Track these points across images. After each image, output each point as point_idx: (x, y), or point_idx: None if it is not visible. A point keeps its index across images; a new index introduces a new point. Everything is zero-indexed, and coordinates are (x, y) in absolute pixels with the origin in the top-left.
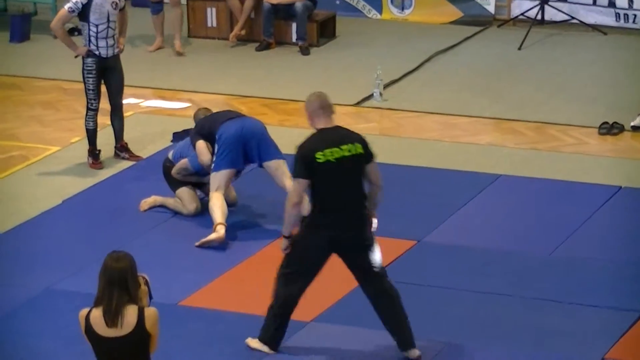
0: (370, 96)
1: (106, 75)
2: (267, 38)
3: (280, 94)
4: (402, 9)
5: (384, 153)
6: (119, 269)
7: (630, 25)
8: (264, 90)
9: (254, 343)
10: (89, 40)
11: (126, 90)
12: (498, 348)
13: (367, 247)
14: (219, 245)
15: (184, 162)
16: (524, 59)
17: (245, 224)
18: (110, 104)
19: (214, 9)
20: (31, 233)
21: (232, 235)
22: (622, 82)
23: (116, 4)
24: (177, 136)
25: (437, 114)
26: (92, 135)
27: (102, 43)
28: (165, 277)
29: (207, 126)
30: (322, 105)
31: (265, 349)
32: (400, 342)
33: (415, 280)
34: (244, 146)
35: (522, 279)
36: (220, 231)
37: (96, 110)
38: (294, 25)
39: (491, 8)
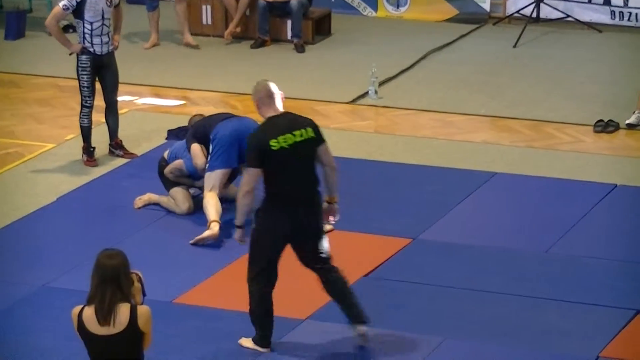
0: (366, 94)
1: (101, 73)
2: (263, 35)
3: None
4: (398, 6)
5: (379, 151)
6: (111, 266)
7: (625, 23)
8: None
9: (247, 343)
10: (84, 38)
11: (121, 87)
12: (494, 346)
13: (319, 233)
14: (214, 243)
15: (179, 162)
16: (519, 57)
17: None
18: (105, 102)
19: (209, 7)
20: (26, 230)
21: (226, 233)
22: (618, 80)
23: (111, 1)
24: (172, 134)
25: (433, 111)
26: (86, 132)
27: (96, 40)
28: (160, 274)
29: (201, 129)
30: (269, 94)
31: (258, 348)
32: (352, 318)
33: (411, 278)
34: (239, 146)
35: (518, 276)
36: (214, 228)
37: (91, 107)
38: (289, 23)
39: (486, 6)
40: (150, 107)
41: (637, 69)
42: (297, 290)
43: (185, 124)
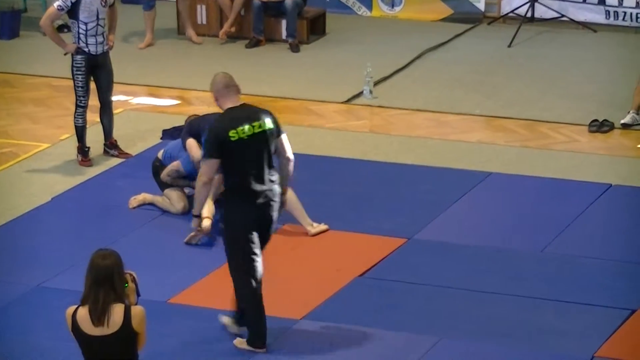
0: (361, 93)
1: (96, 73)
2: (257, 35)
3: (270, 91)
4: (392, 6)
5: (374, 150)
6: (105, 266)
7: (620, 22)
8: (254, 88)
9: (243, 344)
10: (78, 38)
11: (116, 87)
12: (489, 345)
13: (273, 224)
14: (209, 243)
15: (176, 164)
16: (514, 57)
17: None
18: (100, 101)
19: (203, 6)
20: (21, 230)
21: (221, 233)
22: (612, 80)
23: (105, 1)
24: (167, 133)
25: (428, 111)
26: (81, 132)
27: (91, 40)
28: (155, 274)
29: (196, 127)
30: (227, 85)
31: (254, 349)
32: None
33: (406, 278)
34: None
35: (514, 276)
36: (204, 222)
37: (85, 107)
38: (284, 23)
39: (481, 5)
40: (145, 107)
41: (632, 69)
42: (292, 290)
43: (181, 123)
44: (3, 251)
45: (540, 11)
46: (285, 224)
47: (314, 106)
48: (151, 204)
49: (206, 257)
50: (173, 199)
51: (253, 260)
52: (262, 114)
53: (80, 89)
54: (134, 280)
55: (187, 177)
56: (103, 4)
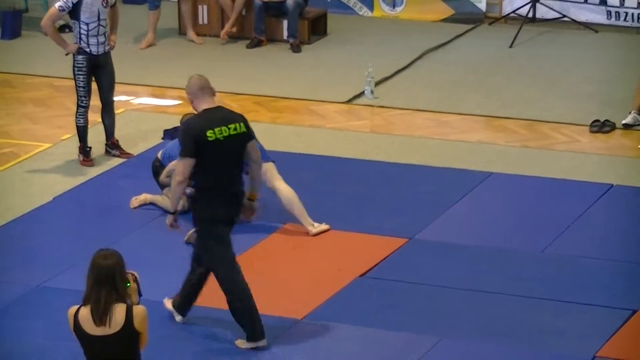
0: (362, 93)
1: (97, 73)
2: (259, 35)
3: (272, 91)
4: (394, 6)
5: (375, 150)
6: (106, 266)
7: (621, 23)
8: (255, 88)
9: (243, 344)
10: (80, 38)
11: (117, 87)
12: (489, 345)
13: (235, 224)
14: None
15: (174, 164)
16: (515, 57)
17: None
18: (101, 101)
19: (205, 7)
20: (22, 230)
21: None
22: (614, 80)
23: (107, 1)
24: (168, 133)
25: (429, 111)
26: (82, 132)
27: (92, 41)
28: (156, 274)
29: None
30: (202, 87)
31: (255, 345)
32: (180, 305)
33: (407, 278)
34: None
35: (514, 276)
36: None
37: (86, 107)
38: (285, 23)
39: (482, 6)
40: (147, 107)
41: (633, 69)
42: (293, 289)
43: None
44: (4, 251)
45: (542, 11)
46: (286, 224)
47: (315, 106)
48: (152, 204)
49: None
50: None
51: (232, 254)
52: (237, 117)
53: (81, 89)
54: (135, 280)
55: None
56: (104, 4)
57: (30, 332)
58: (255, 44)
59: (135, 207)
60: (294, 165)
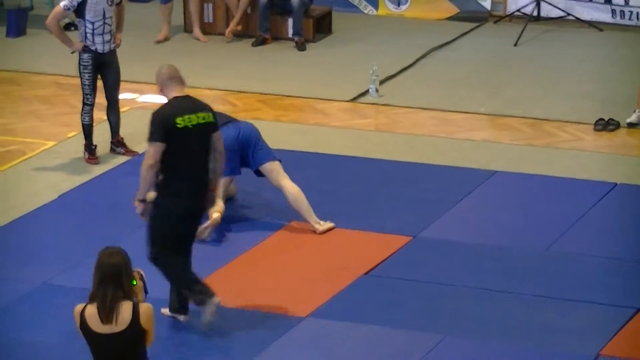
0: (366, 92)
1: (102, 71)
2: (263, 33)
3: (276, 89)
4: (398, 4)
5: (379, 149)
6: (112, 264)
7: (626, 21)
8: (260, 86)
9: (173, 314)
10: (85, 37)
11: (123, 85)
12: (493, 344)
13: (201, 217)
14: (215, 241)
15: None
16: (520, 55)
17: (241, 219)
18: (107, 99)
19: (210, 5)
20: (27, 227)
21: (227, 231)
22: (618, 79)
23: (112, 0)
24: None
25: (433, 109)
26: (87, 130)
27: (98, 39)
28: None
29: None
30: (171, 76)
31: (206, 303)
32: (179, 307)
33: (411, 276)
34: (241, 152)
35: (518, 275)
36: (214, 217)
37: (92, 105)
38: (290, 21)
39: (487, 4)
40: (152, 105)
41: (637, 68)
42: (297, 287)
43: None
44: (9, 249)
45: (546, 10)
46: (292, 222)
47: (320, 104)
48: None
49: (212, 255)
50: None
51: (179, 244)
52: (205, 107)
53: (87, 87)
54: (141, 277)
55: None
56: (109, 3)
57: (35, 329)
58: (260, 42)
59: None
60: (298, 163)
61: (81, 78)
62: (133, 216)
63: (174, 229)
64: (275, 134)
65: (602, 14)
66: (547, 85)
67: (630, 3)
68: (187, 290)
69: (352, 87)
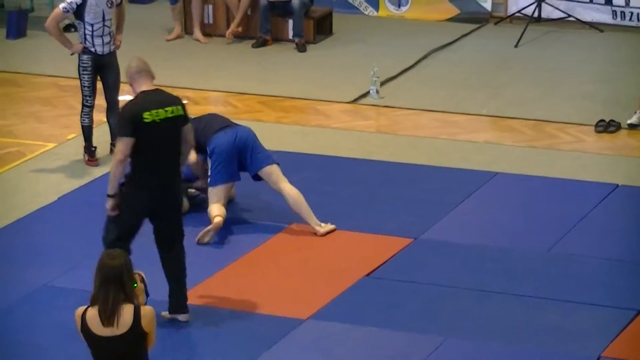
0: (367, 93)
1: (102, 72)
2: (264, 35)
3: (277, 91)
4: (399, 6)
5: (380, 150)
6: (114, 267)
7: (627, 22)
8: (261, 87)
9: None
10: (85, 38)
11: (123, 87)
12: (495, 345)
13: (179, 209)
14: (216, 243)
15: None
16: (520, 57)
17: (241, 222)
18: (106, 101)
19: (210, 6)
20: (27, 229)
21: (228, 233)
22: (619, 80)
23: (112, 2)
24: None
25: (434, 111)
26: (87, 131)
27: (97, 41)
28: (160, 274)
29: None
30: (139, 70)
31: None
32: (176, 306)
33: (412, 278)
34: (239, 157)
35: (519, 276)
36: (216, 221)
37: (91, 107)
38: (290, 22)
39: (488, 5)
40: None
41: (638, 69)
42: (298, 289)
43: None
44: (9, 250)
45: (547, 11)
46: (292, 224)
47: (321, 106)
48: None
49: (212, 257)
50: None
51: (129, 237)
52: (174, 100)
53: (86, 88)
54: (142, 280)
55: (186, 181)
56: (109, 5)
57: (36, 330)
58: (261, 43)
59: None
60: (299, 165)
61: (81, 80)
62: None
63: (132, 219)
64: (276, 135)
65: (602, 15)
66: (548, 86)
67: (631, 4)
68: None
69: (353, 88)
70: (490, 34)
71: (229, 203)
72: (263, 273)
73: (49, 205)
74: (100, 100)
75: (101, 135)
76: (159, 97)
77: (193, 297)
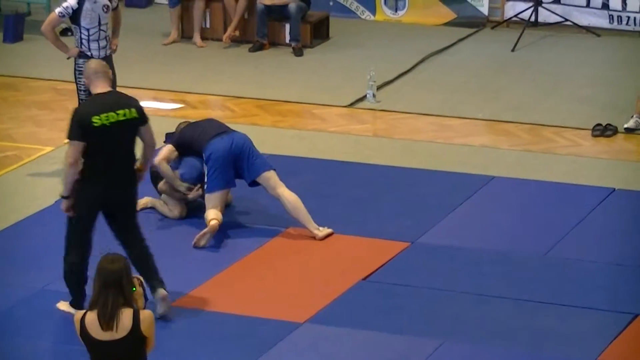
0: (364, 97)
1: None
2: (261, 39)
3: (274, 95)
4: (396, 10)
5: (377, 154)
6: (113, 271)
7: (623, 27)
8: (258, 91)
9: (64, 306)
10: (81, 43)
11: (119, 90)
12: (492, 349)
13: (133, 210)
14: (212, 247)
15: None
16: (517, 61)
17: (238, 225)
18: None
19: (208, 10)
20: (25, 233)
21: (225, 237)
22: (616, 84)
23: (107, 7)
24: (170, 137)
25: (431, 115)
26: None
27: (94, 45)
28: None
29: (188, 139)
30: (96, 70)
31: (72, 310)
32: (155, 282)
33: (409, 282)
34: (235, 164)
35: (516, 280)
36: (212, 224)
37: None
38: (287, 26)
39: (485, 10)
40: (149, 111)
41: (635, 73)
42: (295, 293)
43: None
44: (7, 254)
45: (544, 15)
46: (289, 227)
47: (318, 110)
48: (153, 207)
49: (210, 260)
50: (170, 204)
51: (86, 238)
52: (129, 102)
53: (83, 92)
54: (141, 284)
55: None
56: (105, 9)
57: (34, 334)
58: (258, 47)
59: (138, 211)
60: (296, 169)
61: (77, 84)
62: None
63: (87, 219)
64: (273, 139)
65: (599, 20)
66: (544, 90)
67: (628, 8)
68: (66, 282)
69: (350, 92)
70: (487, 38)
71: (226, 207)
72: (260, 276)
73: (47, 209)
74: None
75: None
76: (112, 100)
77: (190, 300)
